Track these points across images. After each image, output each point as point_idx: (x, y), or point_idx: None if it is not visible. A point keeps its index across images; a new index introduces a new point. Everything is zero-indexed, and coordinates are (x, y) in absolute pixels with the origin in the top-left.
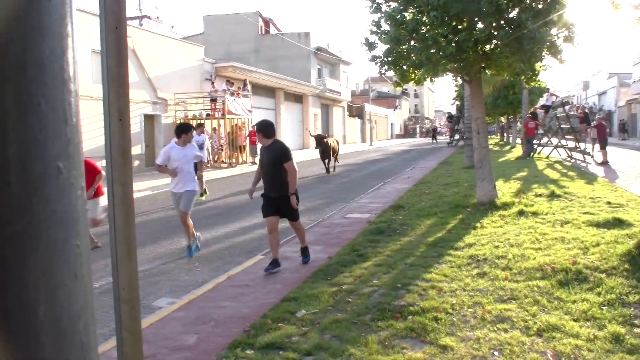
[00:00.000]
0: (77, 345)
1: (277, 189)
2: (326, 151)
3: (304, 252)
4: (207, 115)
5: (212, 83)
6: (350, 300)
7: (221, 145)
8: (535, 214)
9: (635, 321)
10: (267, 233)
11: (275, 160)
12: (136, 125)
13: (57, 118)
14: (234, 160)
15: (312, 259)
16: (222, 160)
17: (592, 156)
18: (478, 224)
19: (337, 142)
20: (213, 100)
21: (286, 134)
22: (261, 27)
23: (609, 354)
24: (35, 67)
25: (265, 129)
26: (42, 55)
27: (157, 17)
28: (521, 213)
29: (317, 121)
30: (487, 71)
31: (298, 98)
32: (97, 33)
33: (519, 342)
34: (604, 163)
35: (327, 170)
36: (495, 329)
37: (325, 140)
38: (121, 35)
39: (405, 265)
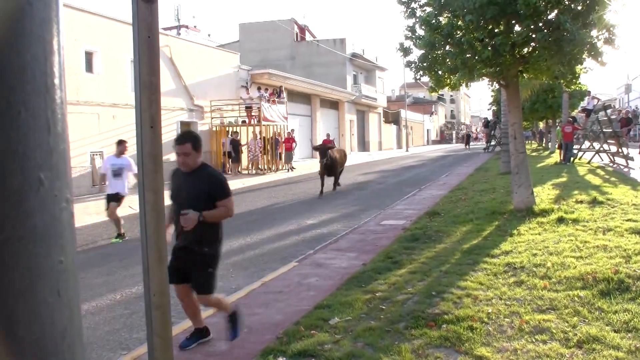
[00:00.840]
0: None
1: (192, 239)
2: (332, 167)
3: (232, 320)
4: (243, 122)
5: (247, 90)
6: (384, 307)
7: (257, 153)
8: (575, 221)
9: None
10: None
11: (202, 194)
12: (172, 133)
13: (39, 127)
14: (273, 167)
15: (346, 265)
16: (259, 167)
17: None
18: (515, 231)
19: (345, 154)
20: (248, 107)
21: (322, 141)
22: (296, 34)
23: None
24: (15, 74)
25: (185, 139)
26: (23, 61)
27: (195, 27)
28: (561, 220)
29: (353, 127)
30: (524, 75)
31: (334, 104)
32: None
33: (557, 354)
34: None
35: (322, 192)
36: (533, 340)
37: (331, 151)
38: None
39: (440, 273)
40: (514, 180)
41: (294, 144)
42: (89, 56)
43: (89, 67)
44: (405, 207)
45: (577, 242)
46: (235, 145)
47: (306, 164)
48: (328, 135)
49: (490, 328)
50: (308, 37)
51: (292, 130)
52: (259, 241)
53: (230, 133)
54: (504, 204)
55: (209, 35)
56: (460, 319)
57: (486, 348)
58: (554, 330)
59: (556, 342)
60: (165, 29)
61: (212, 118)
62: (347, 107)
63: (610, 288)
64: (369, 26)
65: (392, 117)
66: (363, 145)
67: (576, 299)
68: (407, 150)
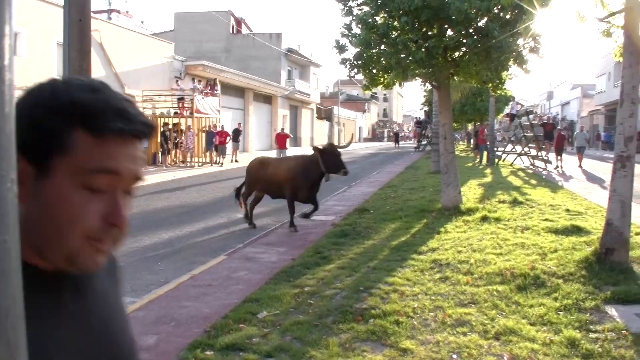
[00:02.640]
0: (4, 344)
1: None
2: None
3: None
4: (175, 113)
5: (177, 81)
6: (312, 302)
7: (190, 145)
8: (497, 219)
9: (591, 326)
10: None
11: None
12: None
13: None
14: (207, 160)
15: (275, 260)
16: (191, 160)
17: (557, 166)
18: (442, 229)
19: None
20: (181, 99)
21: (254, 135)
22: (233, 27)
23: (564, 358)
24: None
25: None
26: None
27: (127, 12)
28: (484, 219)
29: (285, 122)
30: (455, 78)
31: (267, 99)
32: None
33: (477, 346)
34: (557, 168)
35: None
36: (455, 332)
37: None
38: (85, 28)
39: (368, 269)
40: (443, 179)
41: (227, 138)
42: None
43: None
44: (336, 203)
45: (499, 240)
46: (166, 137)
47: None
48: (283, 129)
49: (415, 322)
50: (244, 30)
51: (222, 126)
52: (188, 234)
53: (162, 124)
54: (433, 203)
55: (142, 22)
56: (387, 313)
57: (411, 341)
58: (474, 323)
59: (476, 334)
60: (94, 12)
61: (143, 108)
62: (280, 102)
63: (527, 283)
64: (305, 22)
65: (324, 114)
66: (295, 140)
67: (495, 293)
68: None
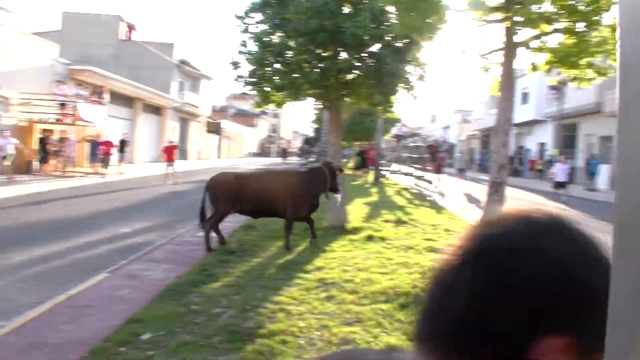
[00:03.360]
0: None
1: None
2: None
3: None
4: (57, 120)
5: (59, 85)
6: (199, 321)
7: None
8: (382, 239)
9: None
10: None
11: None
12: None
13: None
14: (90, 170)
15: (161, 277)
16: (70, 170)
17: (436, 185)
18: (328, 248)
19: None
20: (63, 105)
21: (142, 146)
22: (124, 33)
23: None
24: None
25: None
26: None
27: (6, 9)
28: (369, 238)
29: (174, 135)
30: (347, 99)
31: (157, 110)
32: None
33: None
34: (437, 187)
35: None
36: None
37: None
38: None
39: (255, 287)
40: (330, 198)
41: (111, 149)
42: None
43: None
44: None
45: (383, 259)
46: (45, 144)
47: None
48: (170, 141)
49: (302, 341)
50: (135, 37)
51: (107, 136)
52: (67, 250)
53: (40, 131)
54: (319, 221)
55: (23, 19)
56: (273, 333)
57: None
58: (359, 341)
59: None
60: None
61: (20, 112)
62: (170, 113)
63: (409, 301)
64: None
65: (213, 127)
66: (183, 153)
67: (379, 312)
68: (226, 161)
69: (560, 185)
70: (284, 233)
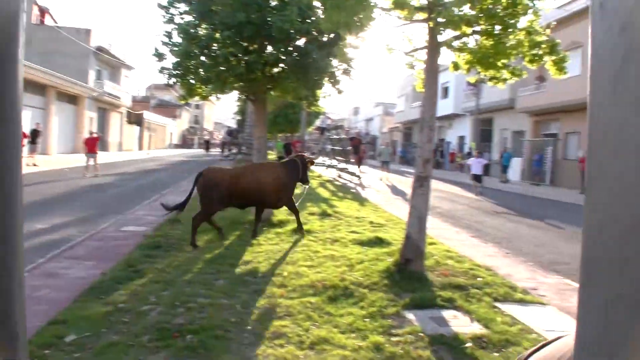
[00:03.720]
0: None
1: None
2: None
3: None
4: None
5: None
6: (126, 320)
7: None
8: (308, 232)
9: (393, 331)
10: None
11: None
12: None
13: None
14: None
15: (83, 275)
16: None
17: (358, 176)
18: (255, 241)
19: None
20: None
21: (56, 137)
22: (37, 17)
23: None
24: None
25: None
26: None
27: None
28: (295, 231)
29: (92, 125)
30: (272, 92)
31: (72, 99)
32: None
33: (293, 356)
34: (359, 179)
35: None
36: (272, 344)
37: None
38: None
39: (183, 282)
40: None
41: (24, 139)
42: None
43: None
44: (147, 212)
45: (310, 252)
46: None
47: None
48: (92, 132)
49: (233, 336)
50: (49, 21)
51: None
52: None
53: None
54: (245, 214)
55: None
56: (205, 328)
57: (229, 356)
58: (290, 335)
59: (292, 346)
60: None
61: None
62: (87, 103)
63: (337, 294)
64: (118, 21)
65: (135, 118)
66: (103, 145)
67: (309, 305)
68: (148, 153)
69: (476, 177)
70: (255, 221)
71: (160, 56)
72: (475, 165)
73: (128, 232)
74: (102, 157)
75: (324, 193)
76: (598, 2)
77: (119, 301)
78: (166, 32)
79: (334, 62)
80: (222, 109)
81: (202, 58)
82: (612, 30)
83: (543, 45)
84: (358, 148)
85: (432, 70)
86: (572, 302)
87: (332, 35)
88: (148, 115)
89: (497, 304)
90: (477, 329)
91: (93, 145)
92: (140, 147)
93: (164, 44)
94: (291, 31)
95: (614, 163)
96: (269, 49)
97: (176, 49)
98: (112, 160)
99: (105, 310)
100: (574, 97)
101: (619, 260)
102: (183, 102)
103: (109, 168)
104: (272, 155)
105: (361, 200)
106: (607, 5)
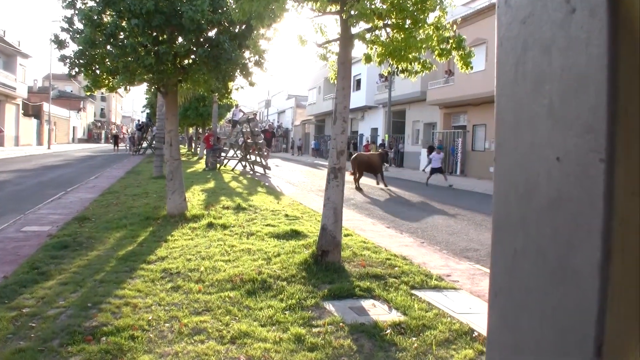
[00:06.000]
0: None
1: None
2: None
3: None
4: None
5: None
6: (34, 325)
7: None
8: (223, 226)
9: (313, 322)
10: None
11: None
12: None
13: None
14: None
15: None
16: None
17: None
18: (169, 237)
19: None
20: None
21: None
22: None
23: (293, 353)
24: None
25: None
26: None
27: None
28: (210, 225)
29: None
30: (183, 85)
31: None
32: None
33: (215, 352)
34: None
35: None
36: (193, 341)
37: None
38: None
39: (95, 282)
40: (169, 186)
41: None
42: None
43: None
44: (50, 211)
45: (226, 247)
46: None
47: None
48: None
49: (151, 335)
50: None
51: None
52: None
53: None
54: (158, 209)
55: None
56: (120, 329)
57: (149, 355)
58: (210, 330)
59: (213, 341)
60: None
61: None
62: None
63: (256, 287)
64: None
65: (32, 110)
66: None
67: (227, 299)
68: (49, 148)
69: (437, 170)
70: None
71: (60, 44)
72: (436, 159)
73: (30, 232)
74: None
75: (237, 187)
76: None
77: (24, 305)
78: (66, 17)
79: (246, 53)
80: (131, 102)
81: (109, 47)
82: (515, 22)
83: (450, 40)
84: (270, 141)
85: (345, 62)
86: (483, 286)
87: (244, 27)
88: (47, 108)
89: (414, 292)
90: (395, 316)
91: None
92: (40, 142)
93: (64, 30)
94: (202, 22)
95: (513, 137)
96: (180, 39)
97: (78, 36)
98: (7, 156)
99: (10, 315)
100: (480, 90)
101: (520, 219)
102: (88, 93)
103: (4, 164)
104: (184, 149)
105: (275, 194)
106: (510, 1)
